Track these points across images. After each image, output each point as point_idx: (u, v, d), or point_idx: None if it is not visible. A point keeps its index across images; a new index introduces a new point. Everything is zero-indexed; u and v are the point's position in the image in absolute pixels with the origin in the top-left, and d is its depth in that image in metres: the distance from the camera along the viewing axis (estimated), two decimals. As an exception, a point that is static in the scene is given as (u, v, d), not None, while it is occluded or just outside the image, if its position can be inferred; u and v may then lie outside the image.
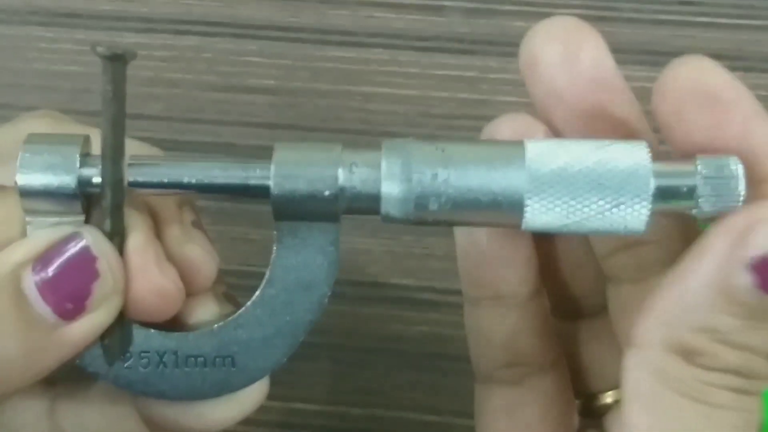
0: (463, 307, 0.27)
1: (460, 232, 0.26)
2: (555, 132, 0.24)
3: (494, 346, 0.26)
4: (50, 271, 0.23)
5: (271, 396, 0.37)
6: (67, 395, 0.26)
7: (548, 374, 0.27)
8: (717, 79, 0.22)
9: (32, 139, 0.24)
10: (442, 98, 0.39)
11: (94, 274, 0.23)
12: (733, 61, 0.39)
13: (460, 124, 0.39)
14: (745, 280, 0.20)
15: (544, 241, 0.26)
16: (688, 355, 0.21)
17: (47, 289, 0.23)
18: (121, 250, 0.24)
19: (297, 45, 0.40)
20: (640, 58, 0.39)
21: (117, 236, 0.24)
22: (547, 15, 0.39)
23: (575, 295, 0.27)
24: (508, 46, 0.39)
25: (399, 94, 0.39)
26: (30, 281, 0.23)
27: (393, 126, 0.39)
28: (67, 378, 0.26)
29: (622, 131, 0.23)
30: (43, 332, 0.23)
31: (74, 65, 0.40)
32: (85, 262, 0.23)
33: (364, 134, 0.39)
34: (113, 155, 0.23)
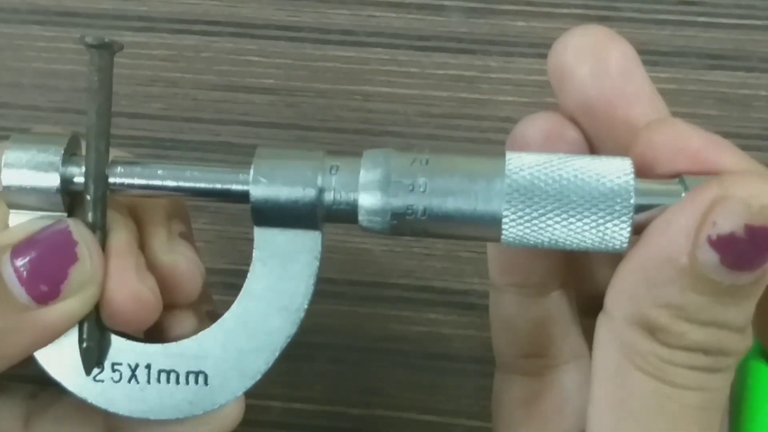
0: (489, 293, 0.27)
1: None
2: (583, 136, 0.24)
3: (516, 335, 0.26)
4: (29, 255, 0.23)
5: (270, 396, 0.37)
6: (42, 410, 0.26)
7: (570, 368, 0.27)
8: (696, 141, 0.22)
9: (18, 138, 0.24)
10: (442, 98, 0.39)
11: (72, 258, 0.23)
12: (734, 61, 0.39)
13: (460, 123, 0.39)
14: (710, 257, 0.20)
15: None
16: (653, 331, 0.21)
17: (24, 270, 0.23)
18: (102, 247, 0.24)
19: (296, 44, 0.40)
20: (641, 57, 0.39)
21: (99, 231, 0.24)
22: (547, 15, 0.39)
23: (604, 290, 0.27)
24: (509, 46, 0.39)
25: (399, 93, 0.39)
26: (7, 264, 0.23)
27: (393, 126, 0.39)
28: (44, 393, 0.26)
29: None
30: (15, 313, 0.23)
31: (73, 64, 0.40)
32: (64, 245, 0.23)
33: (364, 134, 0.39)
34: (97, 145, 0.23)
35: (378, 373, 0.38)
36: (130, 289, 0.23)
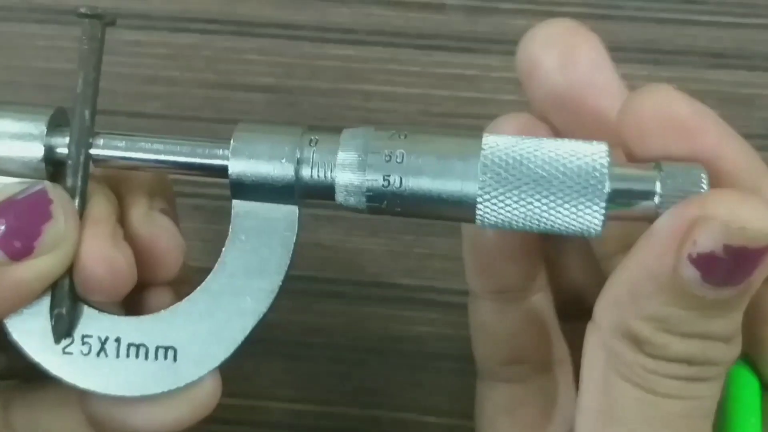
0: (468, 301, 0.27)
1: (466, 225, 0.26)
2: (555, 134, 0.24)
3: (496, 342, 0.26)
4: (5, 214, 0.23)
5: (269, 396, 0.37)
6: (21, 398, 0.26)
7: (551, 374, 0.27)
8: (682, 107, 0.22)
9: (2, 107, 0.24)
10: (442, 96, 0.39)
11: (46, 215, 0.23)
12: (736, 59, 0.39)
13: (461, 122, 0.39)
14: (692, 274, 0.20)
15: (550, 239, 0.26)
16: (637, 342, 0.21)
17: None
18: (80, 214, 0.24)
19: (296, 43, 0.40)
20: (643, 56, 0.39)
21: (78, 198, 0.24)
22: (549, 13, 0.39)
23: (581, 294, 0.27)
24: (510, 45, 0.39)
25: (399, 92, 0.39)
26: None
27: (393, 124, 0.39)
28: (23, 386, 0.26)
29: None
30: None
31: (73, 63, 0.39)
32: (38, 203, 0.23)
33: (364, 133, 0.39)
34: (82, 111, 0.24)
35: (378, 373, 0.38)
36: (103, 255, 0.23)
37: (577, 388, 0.27)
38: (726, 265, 0.20)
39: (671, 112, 0.22)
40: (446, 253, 0.38)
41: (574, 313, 0.27)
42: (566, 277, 0.27)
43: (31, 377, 0.25)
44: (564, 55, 0.23)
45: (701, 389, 0.21)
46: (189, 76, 0.40)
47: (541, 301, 0.26)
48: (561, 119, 0.24)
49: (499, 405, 0.27)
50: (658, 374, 0.21)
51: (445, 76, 0.39)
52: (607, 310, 0.22)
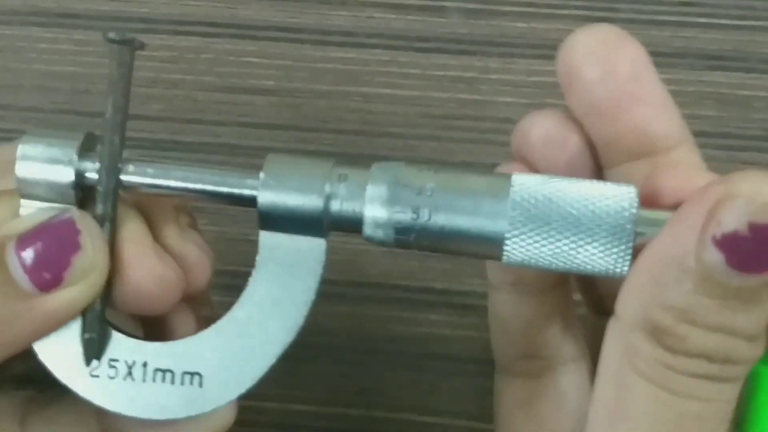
0: (488, 293, 0.27)
1: None
2: (586, 138, 0.24)
3: (513, 335, 0.26)
4: (33, 243, 0.23)
5: (269, 397, 0.38)
6: (38, 412, 0.26)
7: (568, 370, 0.27)
8: (701, 182, 0.22)
9: (34, 131, 0.24)
10: (442, 99, 0.39)
11: (75, 246, 0.23)
12: (733, 61, 0.39)
13: (460, 124, 0.39)
14: (715, 257, 0.19)
15: None
16: (657, 334, 0.21)
17: (27, 258, 0.23)
18: (112, 239, 0.24)
19: (297, 46, 0.40)
20: (640, 58, 0.39)
21: (109, 223, 0.24)
22: (548, 16, 0.40)
23: (609, 291, 0.27)
24: (509, 47, 0.39)
25: (399, 94, 0.39)
26: (12, 252, 0.23)
27: (393, 127, 0.39)
28: (40, 396, 0.26)
29: (663, 144, 0.23)
30: (19, 300, 0.23)
31: (74, 66, 0.40)
32: (67, 233, 0.23)
33: (364, 135, 0.39)
34: (112, 138, 0.24)
35: (378, 374, 0.38)
36: (153, 271, 0.24)
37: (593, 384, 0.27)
38: (750, 247, 0.19)
39: (690, 188, 0.22)
40: (446, 255, 0.38)
41: (603, 308, 0.27)
42: None
43: (47, 382, 0.25)
44: (604, 66, 0.23)
45: (719, 390, 0.21)
46: (190, 79, 0.40)
47: (559, 296, 0.26)
48: (599, 129, 0.24)
49: (515, 399, 0.27)
50: (676, 371, 0.20)
51: (445, 78, 0.39)
52: (628, 301, 0.21)
